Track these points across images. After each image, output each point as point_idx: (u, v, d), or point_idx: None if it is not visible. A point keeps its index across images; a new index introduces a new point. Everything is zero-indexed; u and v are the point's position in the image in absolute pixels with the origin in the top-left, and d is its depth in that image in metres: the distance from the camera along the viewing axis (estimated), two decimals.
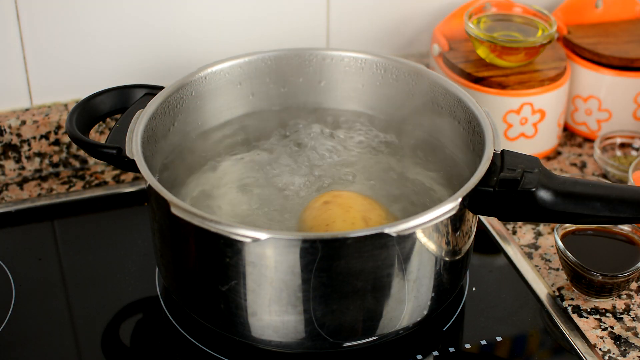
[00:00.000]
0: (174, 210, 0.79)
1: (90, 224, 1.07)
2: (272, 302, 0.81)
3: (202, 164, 0.97)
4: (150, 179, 0.82)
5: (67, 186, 1.14)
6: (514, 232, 1.06)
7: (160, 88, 0.98)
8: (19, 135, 1.13)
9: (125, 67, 1.17)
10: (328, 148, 0.99)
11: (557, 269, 1.00)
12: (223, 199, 0.92)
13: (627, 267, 0.93)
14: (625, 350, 0.90)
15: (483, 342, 0.91)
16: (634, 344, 0.91)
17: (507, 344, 0.91)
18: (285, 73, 1.04)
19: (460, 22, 1.22)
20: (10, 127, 1.12)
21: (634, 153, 1.18)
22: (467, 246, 0.89)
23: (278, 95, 1.05)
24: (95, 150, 0.89)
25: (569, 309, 0.95)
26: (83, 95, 1.12)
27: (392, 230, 0.77)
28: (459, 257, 0.88)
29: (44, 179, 1.15)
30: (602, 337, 0.92)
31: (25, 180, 1.15)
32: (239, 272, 0.80)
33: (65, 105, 1.16)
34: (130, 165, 0.86)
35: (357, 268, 0.79)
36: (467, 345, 0.90)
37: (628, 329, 0.93)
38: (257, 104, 1.04)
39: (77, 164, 1.17)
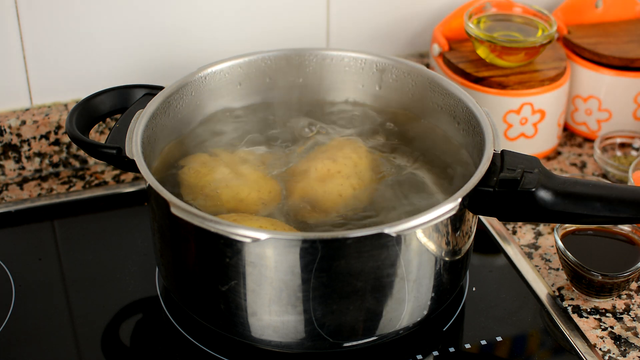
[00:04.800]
0: (174, 210, 0.79)
1: (90, 224, 1.07)
2: (272, 302, 0.81)
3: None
4: (150, 179, 0.82)
5: (67, 186, 1.14)
6: (514, 232, 1.06)
7: (160, 88, 0.98)
8: (19, 135, 1.13)
9: (125, 67, 1.16)
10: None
11: (557, 269, 1.00)
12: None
13: (627, 267, 0.93)
14: (625, 350, 0.90)
15: (483, 342, 0.91)
16: (634, 344, 0.91)
17: (507, 344, 0.91)
18: (285, 73, 1.04)
19: (460, 22, 1.22)
20: (10, 127, 1.12)
21: (634, 153, 1.18)
22: (467, 246, 0.89)
23: (278, 95, 1.05)
24: (95, 150, 0.89)
25: (569, 309, 0.95)
26: (83, 95, 1.12)
27: (392, 230, 0.77)
28: (459, 257, 0.88)
29: (44, 179, 1.15)
30: (602, 337, 0.92)
31: (25, 180, 1.15)
32: (239, 272, 0.80)
33: (65, 105, 1.16)
34: (130, 165, 0.86)
35: (357, 268, 0.79)
36: (467, 345, 0.90)
37: (628, 329, 0.93)
38: (256, 104, 1.04)
39: (77, 164, 1.17)
